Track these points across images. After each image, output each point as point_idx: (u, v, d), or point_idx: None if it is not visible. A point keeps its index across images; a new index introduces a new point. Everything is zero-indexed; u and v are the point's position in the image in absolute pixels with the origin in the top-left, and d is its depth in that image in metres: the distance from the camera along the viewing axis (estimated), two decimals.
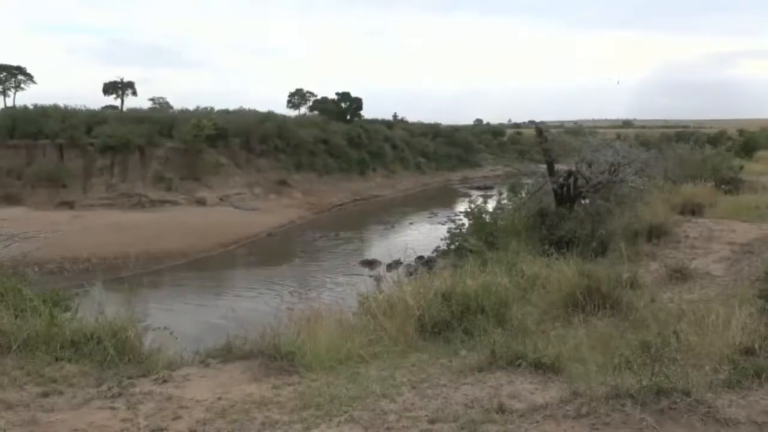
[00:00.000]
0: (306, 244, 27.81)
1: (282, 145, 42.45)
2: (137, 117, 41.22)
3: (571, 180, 14.36)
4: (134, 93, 52.96)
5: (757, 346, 5.38)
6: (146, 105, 55.26)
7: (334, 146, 45.77)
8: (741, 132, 64.32)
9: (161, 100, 58.43)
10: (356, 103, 58.79)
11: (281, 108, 64.92)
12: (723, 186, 19.60)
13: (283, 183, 40.01)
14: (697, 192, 17.46)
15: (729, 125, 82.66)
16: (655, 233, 13.09)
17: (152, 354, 5.98)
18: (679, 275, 10.01)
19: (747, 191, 20.03)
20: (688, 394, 4.17)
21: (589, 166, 14.61)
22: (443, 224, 21.38)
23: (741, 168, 24.72)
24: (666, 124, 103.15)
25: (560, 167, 15.03)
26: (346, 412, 4.59)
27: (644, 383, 4.28)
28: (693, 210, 15.84)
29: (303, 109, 63.42)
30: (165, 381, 5.28)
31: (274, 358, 5.68)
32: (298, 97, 65.11)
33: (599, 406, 4.17)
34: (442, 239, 15.46)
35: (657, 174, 18.88)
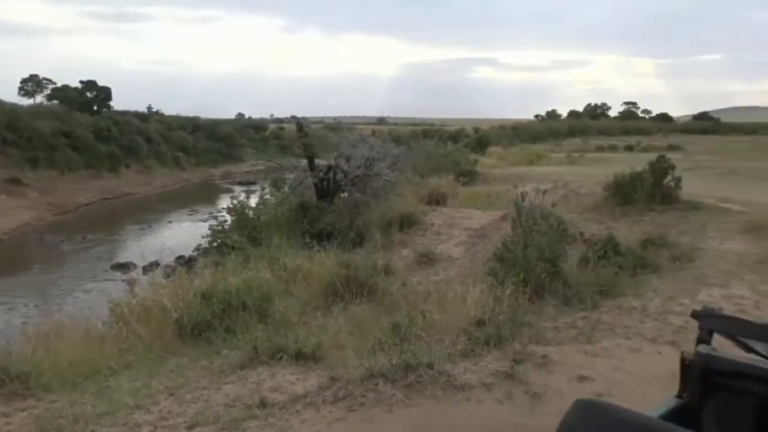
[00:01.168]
0: (46, 249, 24.64)
1: (12, 137, 36.82)
2: None
3: (331, 174, 14.93)
4: None
5: (487, 317, 6.14)
6: None
7: (78, 139, 41.13)
8: (476, 130, 72.64)
9: None
10: (104, 93, 53.43)
11: (11, 96, 56.39)
12: (462, 178, 21.81)
13: (15, 182, 34.80)
14: (441, 184, 19.28)
15: (466, 124, 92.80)
16: (406, 222, 14.17)
17: None
18: (426, 260, 11.03)
19: (481, 183, 22.78)
20: (431, 366, 4.61)
21: (348, 161, 15.32)
22: (205, 221, 20.72)
23: (476, 162, 27.95)
24: (414, 122, 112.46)
25: (321, 162, 15.52)
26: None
27: (394, 362, 4.63)
28: (438, 200, 17.42)
29: (39, 98, 55.85)
30: None
31: (3, 381, 4.97)
32: (32, 84, 57.17)
33: (355, 388, 4.41)
34: (203, 237, 14.91)
35: (407, 168, 20.48)
